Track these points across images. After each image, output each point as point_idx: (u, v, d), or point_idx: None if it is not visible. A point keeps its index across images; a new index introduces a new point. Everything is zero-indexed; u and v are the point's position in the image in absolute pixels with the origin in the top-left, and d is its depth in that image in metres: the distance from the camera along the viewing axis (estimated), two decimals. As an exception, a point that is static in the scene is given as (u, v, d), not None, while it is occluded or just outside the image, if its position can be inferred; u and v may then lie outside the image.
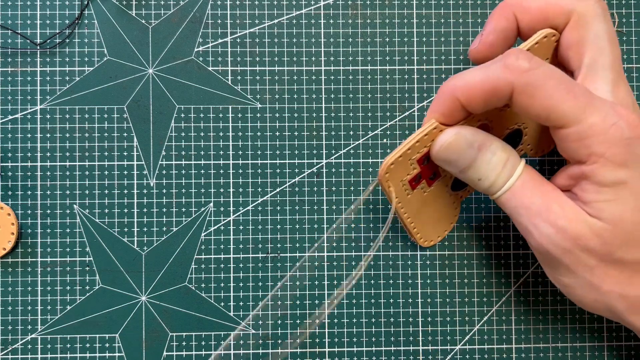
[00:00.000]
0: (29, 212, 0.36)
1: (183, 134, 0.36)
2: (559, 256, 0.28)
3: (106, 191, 0.36)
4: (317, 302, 0.36)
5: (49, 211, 0.36)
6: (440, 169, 0.32)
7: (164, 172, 0.36)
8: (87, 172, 0.36)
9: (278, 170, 0.36)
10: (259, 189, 0.36)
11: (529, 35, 0.30)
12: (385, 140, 0.37)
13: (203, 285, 0.36)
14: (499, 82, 0.27)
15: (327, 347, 0.36)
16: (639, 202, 0.27)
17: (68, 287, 0.36)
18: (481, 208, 0.37)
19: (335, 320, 0.36)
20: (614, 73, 0.29)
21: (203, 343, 0.36)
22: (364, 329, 0.36)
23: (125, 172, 0.36)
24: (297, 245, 0.36)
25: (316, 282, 0.36)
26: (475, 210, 0.37)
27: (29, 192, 0.36)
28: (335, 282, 0.37)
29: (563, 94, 0.27)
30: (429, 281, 0.37)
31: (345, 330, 0.36)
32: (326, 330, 0.36)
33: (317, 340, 0.36)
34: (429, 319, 0.37)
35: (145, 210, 0.36)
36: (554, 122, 0.27)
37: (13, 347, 0.36)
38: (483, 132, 0.29)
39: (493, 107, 0.29)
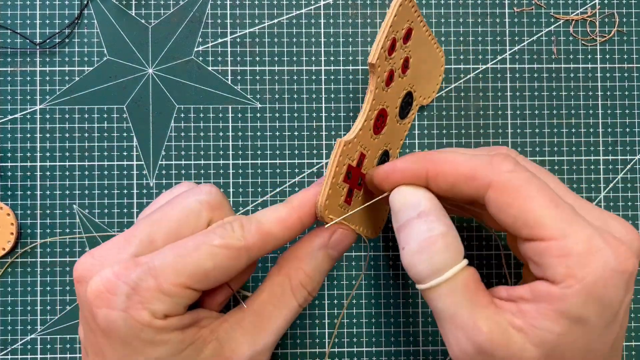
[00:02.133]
0: (29, 212, 0.36)
1: (183, 133, 0.36)
2: None
3: (106, 191, 0.36)
4: (316, 302, 0.36)
5: (48, 211, 0.36)
6: (361, 165, 0.31)
7: (163, 172, 0.36)
8: (86, 172, 0.36)
9: (278, 170, 0.36)
10: (259, 189, 0.36)
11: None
12: (385, 140, 0.37)
13: (203, 285, 0.36)
14: (477, 172, 0.25)
15: (327, 347, 0.36)
16: (588, 347, 0.24)
17: (68, 287, 0.36)
18: (481, 208, 0.37)
19: (335, 321, 0.36)
20: (572, 202, 0.26)
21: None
22: (364, 329, 0.36)
23: (125, 172, 0.36)
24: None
25: (316, 282, 0.36)
26: (476, 210, 0.37)
27: (29, 192, 0.36)
28: (335, 282, 0.36)
29: (546, 201, 0.24)
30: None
31: (345, 330, 0.36)
32: (326, 330, 0.36)
33: (317, 340, 0.36)
34: (429, 319, 0.37)
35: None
36: (531, 231, 0.24)
37: (13, 347, 0.36)
38: (438, 205, 0.27)
39: (458, 197, 0.26)
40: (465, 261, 0.26)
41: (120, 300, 0.24)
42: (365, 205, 0.31)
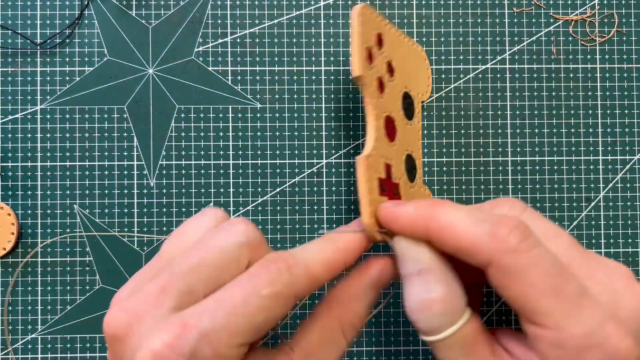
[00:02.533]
0: (29, 212, 0.36)
1: (183, 134, 0.36)
2: None
3: (106, 191, 0.36)
4: (316, 302, 0.36)
5: (49, 211, 0.36)
6: (391, 176, 0.30)
7: (164, 172, 0.36)
8: (87, 172, 0.36)
9: (278, 170, 0.37)
10: (259, 189, 0.36)
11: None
12: (385, 140, 0.37)
13: (203, 285, 0.36)
14: (478, 247, 0.24)
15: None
16: None
17: (68, 287, 0.36)
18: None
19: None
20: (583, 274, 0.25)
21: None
22: (364, 329, 0.36)
23: (125, 172, 0.36)
24: (297, 245, 0.36)
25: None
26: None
27: (29, 192, 0.36)
28: (334, 281, 0.36)
29: (547, 289, 0.23)
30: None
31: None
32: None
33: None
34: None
35: (145, 210, 0.36)
36: (528, 316, 0.24)
37: (13, 347, 0.36)
38: (439, 262, 0.26)
39: (460, 259, 0.25)
40: (464, 319, 0.25)
41: None
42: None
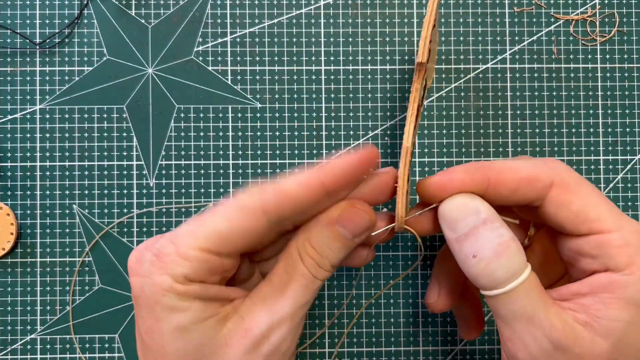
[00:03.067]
0: (29, 212, 0.36)
1: (183, 133, 0.36)
2: None
3: (105, 191, 0.36)
4: (316, 302, 0.36)
5: (48, 211, 0.36)
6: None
7: (163, 172, 0.36)
8: (86, 172, 0.36)
9: (278, 170, 0.36)
10: (259, 189, 0.36)
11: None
12: (385, 140, 0.37)
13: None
14: (539, 174, 0.26)
15: (327, 347, 0.36)
16: None
17: (68, 287, 0.36)
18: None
19: (336, 321, 0.36)
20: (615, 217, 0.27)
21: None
22: (364, 329, 0.36)
23: (125, 172, 0.36)
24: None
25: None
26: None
27: (29, 192, 0.36)
28: (335, 282, 0.36)
29: (600, 198, 0.26)
30: (429, 281, 0.37)
31: (345, 330, 0.36)
32: (326, 330, 0.36)
33: (317, 340, 0.36)
34: (429, 319, 0.36)
35: (145, 210, 0.36)
36: (591, 224, 0.26)
37: (13, 347, 0.35)
38: (495, 212, 0.27)
39: (515, 201, 0.27)
40: (529, 264, 0.26)
41: (144, 267, 0.25)
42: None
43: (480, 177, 0.27)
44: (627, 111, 0.37)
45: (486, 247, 0.26)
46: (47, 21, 0.36)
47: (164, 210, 0.36)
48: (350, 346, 0.36)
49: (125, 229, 0.36)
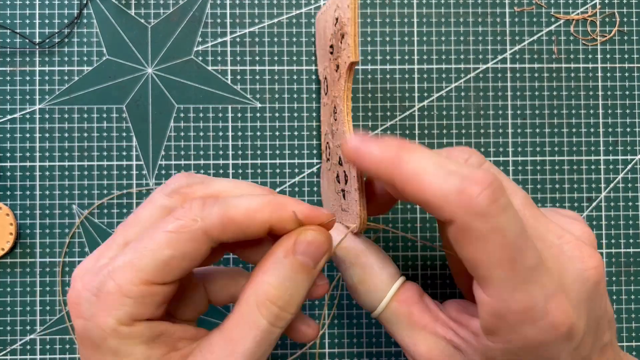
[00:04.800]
0: (28, 212, 0.36)
1: (182, 133, 0.36)
2: None
3: (105, 191, 0.36)
4: (317, 302, 0.36)
5: (47, 211, 0.36)
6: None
7: (163, 172, 0.36)
8: (85, 172, 0.36)
9: (278, 170, 0.36)
10: (259, 189, 0.36)
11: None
12: (385, 140, 0.37)
13: (203, 285, 0.36)
14: (443, 204, 0.22)
15: (327, 347, 0.36)
16: None
17: (67, 288, 0.36)
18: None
19: (336, 321, 0.36)
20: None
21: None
22: (364, 330, 0.36)
23: (125, 172, 0.36)
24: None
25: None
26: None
27: (28, 192, 0.36)
28: (335, 283, 0.36)
29: (503, 260, 0.22)
30: (429, 282, 0.37)
31: (345, 330, 0.36)
32: (326, 330, 0.36)
33: (317, 340, 0.36)
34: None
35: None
36: (477, 279, 0.23)
37: (13, 347, 0.35)
38: (362, 242, 0.28)
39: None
40: (389, 296, 0.27)
41: (85, 308, 0.23)
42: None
43: (383, 171, 0.24)
44: (627, 111, 0.37)
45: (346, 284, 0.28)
46: (47, 21, 0.36)
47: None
48: (350, 346, 0.36)
49: (125, 229, 0.36)
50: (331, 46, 0.30)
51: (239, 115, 0.37)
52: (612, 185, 0.37)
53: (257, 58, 0.37)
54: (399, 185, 0.23)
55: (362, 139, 0.24)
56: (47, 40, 0.36)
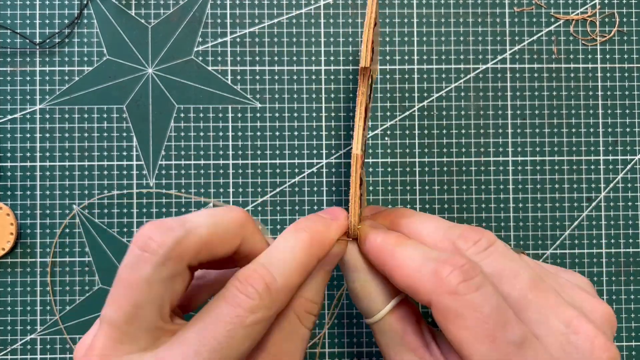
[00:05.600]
0: (28, 212, 0.36)
1: (183, 133, 0.36)
2: None
3: (105, 191, 0.36)
4: (317, 302, 0.36)
5: (48, 211, 0.36)
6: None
7: (163, 172, 0.36)
8: (86, 172, 0.36)
9: (278, 170, 0.36)
10: (259, 189, 0.36)
11: None
12: (385, 140, 0.37)
13: (203, 285, 0.36)
14: (419, 288, 0.24)
15: (327, 347, 0.36)
16: None
17: (68, 287, 0.36)
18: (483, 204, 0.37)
19: (336, 321, 0.36)
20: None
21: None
22: (364, 330, 0.36)
23: (125, 172, 0.36)
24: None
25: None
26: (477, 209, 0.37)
27: (28, 192, 0.36)
28: (335, 282, 0.36)
29: (483, 335, 0.22)
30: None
31: (345, 330, 0.36)
32: (326, 330, 0.36)
33: (317, 340, 0.36)
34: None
35: (145, 210, 0.36)
36: (459, 354, 0.24)
37: (13, 347, 0.35)
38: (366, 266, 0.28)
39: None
40: (389, 307, 0.27)
41: None
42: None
43: (380, 262, 0.26)
44: (627, 111, 0.37)
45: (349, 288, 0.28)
46: (47, 21, 0.36)
47: (164, 203, 0.36)
48: (350, 346, 0.36)
49: (126, 229, 0.36)
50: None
51: (239, 115, 0.37)
52: (611, 185, 0.37)
53: (257, 58, 0.37)
54: (388, 273, 0.25)
55: (375, 229, 0.27)
56: (47, 41, 0.36)
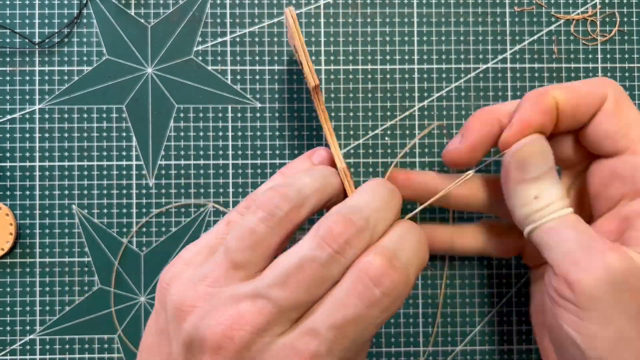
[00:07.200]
0: (28, 212, 0.36)
1: (182, 133, 0.36)
2: (600, 298, 0.24)
3: (105, 191, 0.36)
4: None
5: (47, 211, 0.36)
6: None
7: (163, 172, 0.36)
8: (85, 172, 0.36)
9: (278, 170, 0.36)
10: (259, 189, 0.36)
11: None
12: (385, 140, 0.37)
13: (202, 285, 0.36)
14: (597, 90, 0.27)
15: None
16: None
17: (67, 288, 0.36)
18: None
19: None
20: None
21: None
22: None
23: (125, 172, 0.36)
24: (296, 243, 0.36)
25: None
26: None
27: (28, 192, 0.36)
28: (335, 282, 0.36)
29: None
30: (429, 282, 0.37)
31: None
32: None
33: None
34: (429, 319, 0.36)
35: (144, 210, 0.36)
36: (629, 142, 0.27)
37: (13, 347, 0.35)
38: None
39: (572, 124, 0.28)
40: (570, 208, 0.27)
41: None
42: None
43: (547, 106, 0.27)
44: (627, 111, 0.37)
45: (552, 190, 0.27)
46: (47, 21, 0.36)
47: (163, 211, 0.36)
48: (350, 346, 0.36)
49: (125, 229, 0.36)
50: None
51: (239, 115, 0.37)
52: (612, 185, 0.37)
53: (257, 58, 0.37)
54: (562, 109, 0.28)
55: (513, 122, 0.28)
56: (47, 40, 0.36)
